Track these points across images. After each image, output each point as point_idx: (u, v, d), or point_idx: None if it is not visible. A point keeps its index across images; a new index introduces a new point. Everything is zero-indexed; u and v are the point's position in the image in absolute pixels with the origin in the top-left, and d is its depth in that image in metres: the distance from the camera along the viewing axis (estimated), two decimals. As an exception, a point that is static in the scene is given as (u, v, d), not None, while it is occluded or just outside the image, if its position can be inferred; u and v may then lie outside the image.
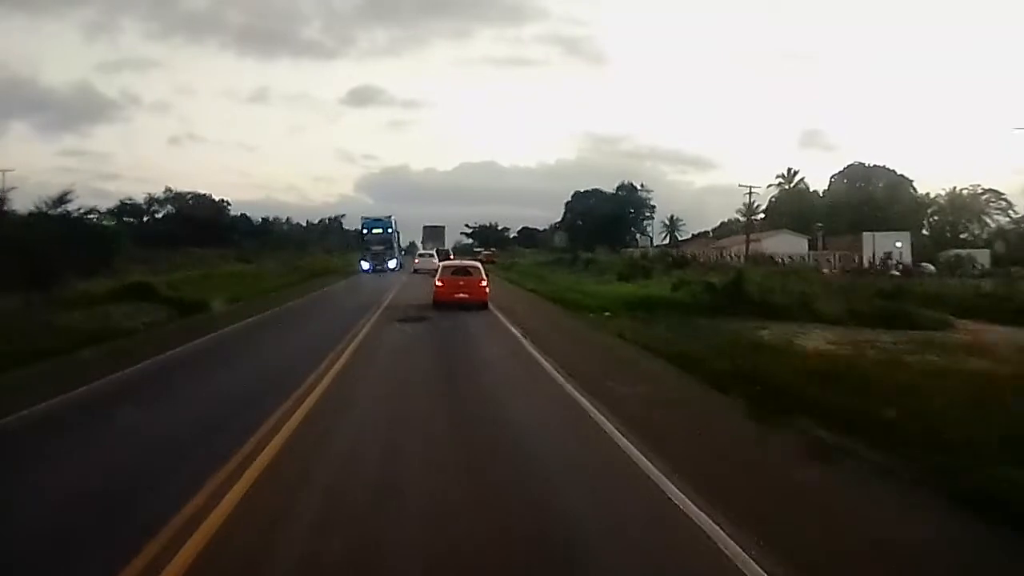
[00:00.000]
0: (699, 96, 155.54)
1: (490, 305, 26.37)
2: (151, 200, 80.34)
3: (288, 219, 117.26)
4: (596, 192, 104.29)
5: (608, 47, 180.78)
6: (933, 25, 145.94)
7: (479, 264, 30.67)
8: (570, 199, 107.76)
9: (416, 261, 58.35)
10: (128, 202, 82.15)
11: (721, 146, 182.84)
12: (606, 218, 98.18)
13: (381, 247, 57.64)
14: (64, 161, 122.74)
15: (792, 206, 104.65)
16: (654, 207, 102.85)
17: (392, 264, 57.54)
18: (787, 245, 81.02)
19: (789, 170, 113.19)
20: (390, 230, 59.92)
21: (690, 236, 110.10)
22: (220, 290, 31.52)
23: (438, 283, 26.62)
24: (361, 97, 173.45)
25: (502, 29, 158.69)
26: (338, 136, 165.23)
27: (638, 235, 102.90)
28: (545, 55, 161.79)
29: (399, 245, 65.17)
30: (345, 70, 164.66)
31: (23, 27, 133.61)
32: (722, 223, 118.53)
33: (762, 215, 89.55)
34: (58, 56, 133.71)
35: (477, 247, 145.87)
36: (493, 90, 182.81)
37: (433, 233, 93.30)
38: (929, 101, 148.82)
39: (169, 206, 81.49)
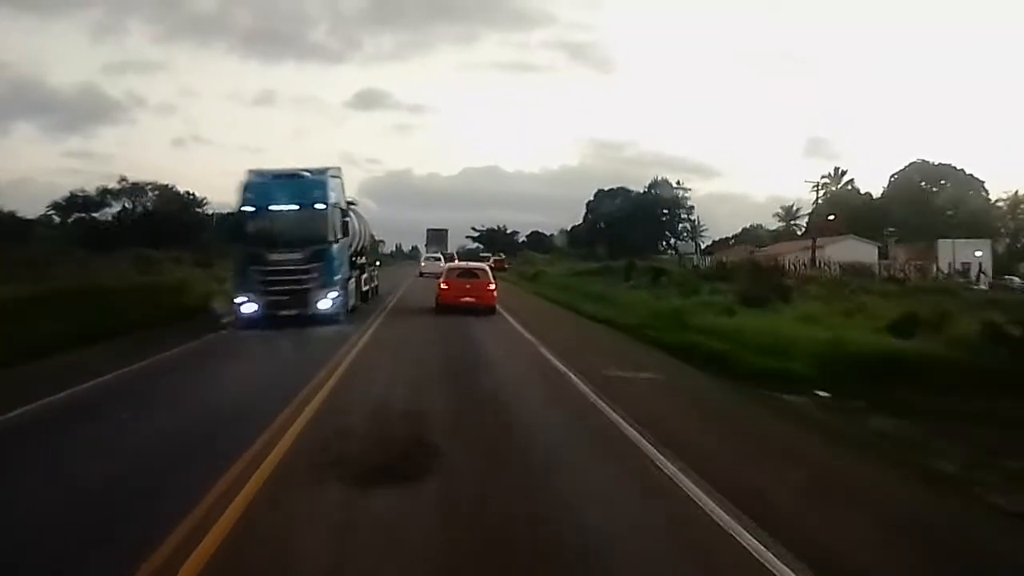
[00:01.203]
0: (705, 103, 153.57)
1: (572, 375, 12.07)
2: (103, 192, 65.81)
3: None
4: (622, 191, 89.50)
5: (614, 53, 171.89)
6: (933, 25, 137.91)
7: (486, 267, 28.05)
8: (591, 199, 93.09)
9: (422, 264, 53.65)
10: (80, 194, 67.86)
11: (726, 154, 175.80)
12: (635, 220, 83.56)
13: (295, 257, 19.74)
14: (70, 162, 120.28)
15: (842, 209, 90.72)
16: (692, 208, 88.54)
17: (328, 302, 20.10)
18: (854, 252, 67.09)
19: (836, 169, 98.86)
20: (322, 207, 20.26)
21: (711, 242, 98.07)
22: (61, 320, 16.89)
23: (443, 285, 23.97)
24: (366, 101, 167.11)
25: (508, 34, 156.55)
26: (342, 140, 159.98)
27: (674, 240, 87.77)
28: (551, 60, 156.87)
29: (353, 249, 23.53)
30: (351, 74, 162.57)
31: (29, 28, 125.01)
32: (744, 229, 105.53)
33: (831, 216, 74.59)
34: (64, 57, 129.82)
35: (484, 251, 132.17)
36: (498, 95, 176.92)
37: (436, 236, 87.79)
38: (943, 107, 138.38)
39: (125, 200, 66.96)
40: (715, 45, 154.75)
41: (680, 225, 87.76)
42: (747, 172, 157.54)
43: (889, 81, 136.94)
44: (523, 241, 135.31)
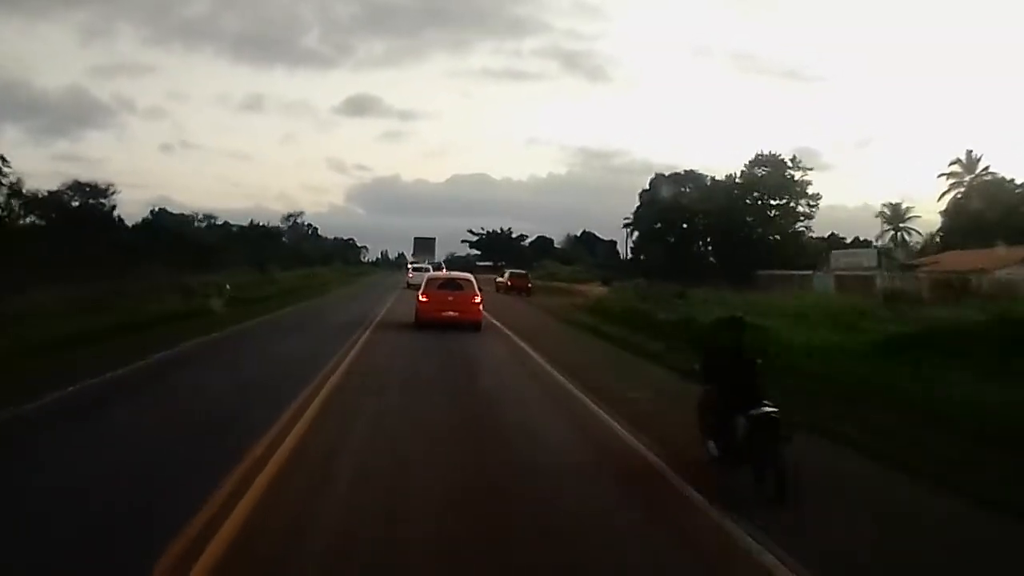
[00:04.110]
0: (696, 113, 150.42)
1: None
2: None
3: (253, 221, 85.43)
4: (692, 176, 60.59)
5: (606, 62, 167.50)
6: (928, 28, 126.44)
7: (471, 277, 23.39)
8: (647, 188, 63.99)
9: (409, 275, 47.10)
10: None
11: (716, 163, 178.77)
12: (733, 216, 54.70)
13: None
14: (57, 166, 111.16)
15: (986, 206, 62.65)
16: (818, 198, 59.62)
17: None
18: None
19: (969, 154, 70.80)
20: None
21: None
22: None
23: (422, 298, 21.40)
24: (356, 107, 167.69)
25: (501, 42, 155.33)
26: (331, 146, 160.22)
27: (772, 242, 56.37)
28: (543, 69, 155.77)
29: None
30: (341, 79, 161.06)
31: (18, 30, 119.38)
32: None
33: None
34: (53, 60, 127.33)
35: (481, 260, 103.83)
36: (489, 102, 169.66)
37: (423, 245, 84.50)
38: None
39: None
40: (708, 54, 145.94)
41: (801, 224, 58.28)
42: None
43: (887, 96, 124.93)
44: (526, 247, 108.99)
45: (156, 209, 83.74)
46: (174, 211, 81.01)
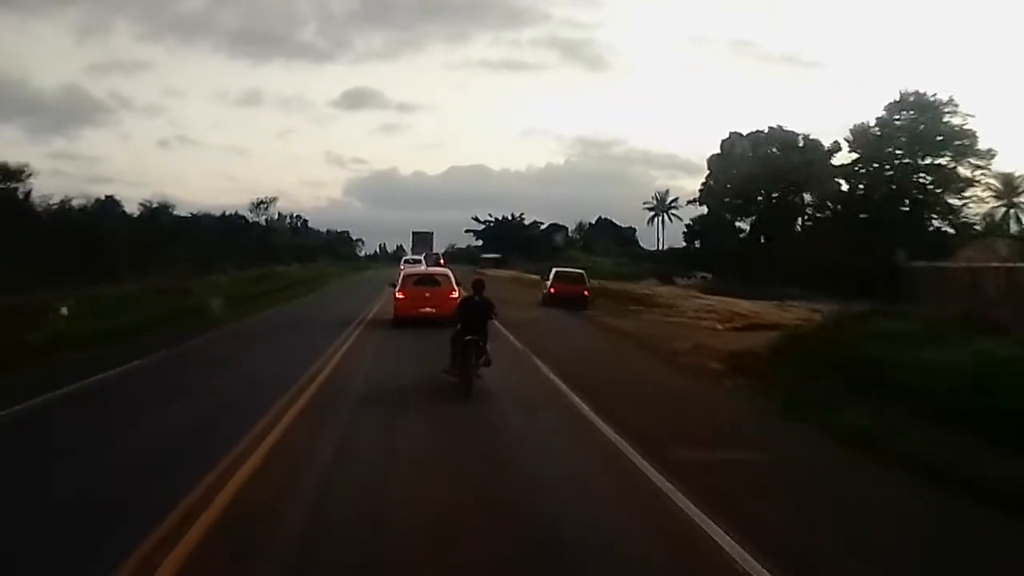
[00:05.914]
0: (694, 101, 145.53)
1: None
2: None
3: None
4: (779, 133, 44.18)
5: (606, 51, 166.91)
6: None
7: (448, 272, 22.77)
8: (718, 151, 47.63)
9: (401, 267, 40.36)
10: None
11: (713, 151, 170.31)
12: (833, 190, 38.53)
13: None
14: (54, 164, 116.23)
15: None
16: (990, 155, 42.29)
17: None
18: None
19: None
20: None
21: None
22: None
23: (399, 295, 21.01)
24: (354, 100, 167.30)
25: (500, 32, 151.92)
26: (328, 140, 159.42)
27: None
28: (542, 59, 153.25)
29: None
30: (338, 73, 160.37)
31: (12, 28, 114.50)
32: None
33: None
34: (48, 58, 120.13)
35: (487, 252, 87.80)
36: (487, 93, 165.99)
37: (422, 239, 78.19)
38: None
39: None
40: (706, 43, 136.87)
41: (967, 188, 41.77)
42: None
43: (891, 81, 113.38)
44: (537, 236, 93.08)
45: (104, 197, 68.10)
46: (155, 205, 66.89)
